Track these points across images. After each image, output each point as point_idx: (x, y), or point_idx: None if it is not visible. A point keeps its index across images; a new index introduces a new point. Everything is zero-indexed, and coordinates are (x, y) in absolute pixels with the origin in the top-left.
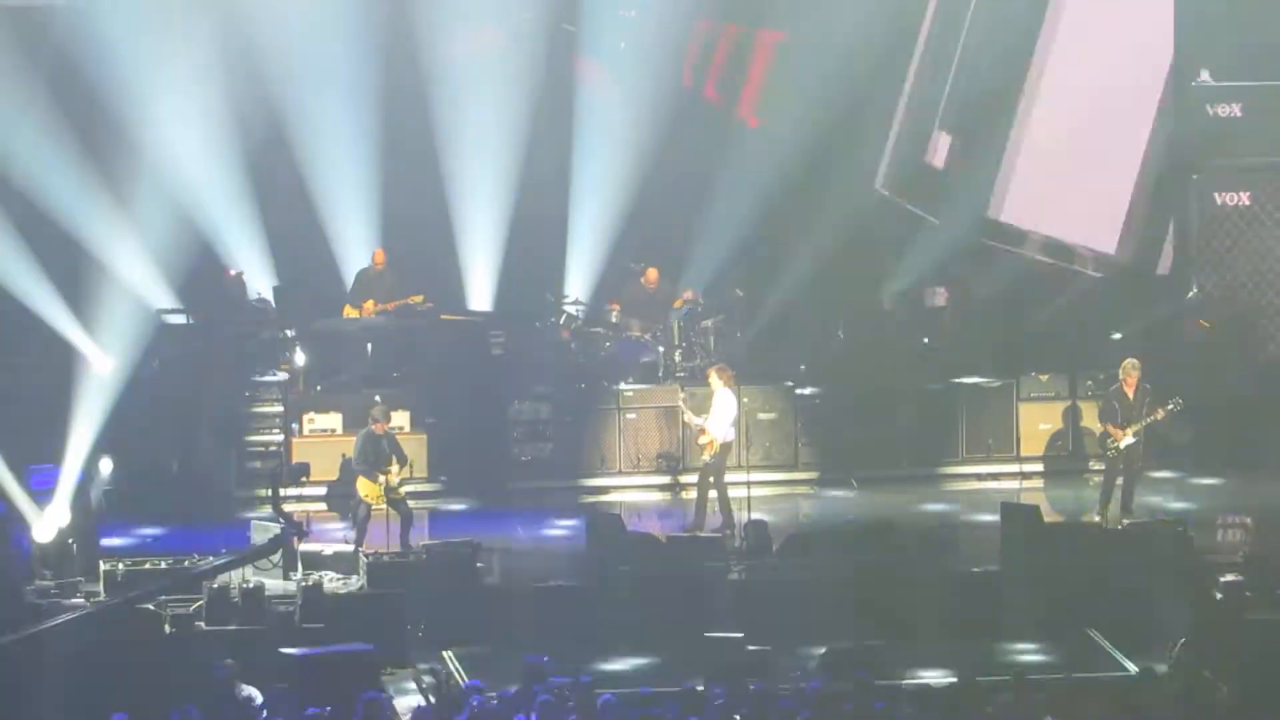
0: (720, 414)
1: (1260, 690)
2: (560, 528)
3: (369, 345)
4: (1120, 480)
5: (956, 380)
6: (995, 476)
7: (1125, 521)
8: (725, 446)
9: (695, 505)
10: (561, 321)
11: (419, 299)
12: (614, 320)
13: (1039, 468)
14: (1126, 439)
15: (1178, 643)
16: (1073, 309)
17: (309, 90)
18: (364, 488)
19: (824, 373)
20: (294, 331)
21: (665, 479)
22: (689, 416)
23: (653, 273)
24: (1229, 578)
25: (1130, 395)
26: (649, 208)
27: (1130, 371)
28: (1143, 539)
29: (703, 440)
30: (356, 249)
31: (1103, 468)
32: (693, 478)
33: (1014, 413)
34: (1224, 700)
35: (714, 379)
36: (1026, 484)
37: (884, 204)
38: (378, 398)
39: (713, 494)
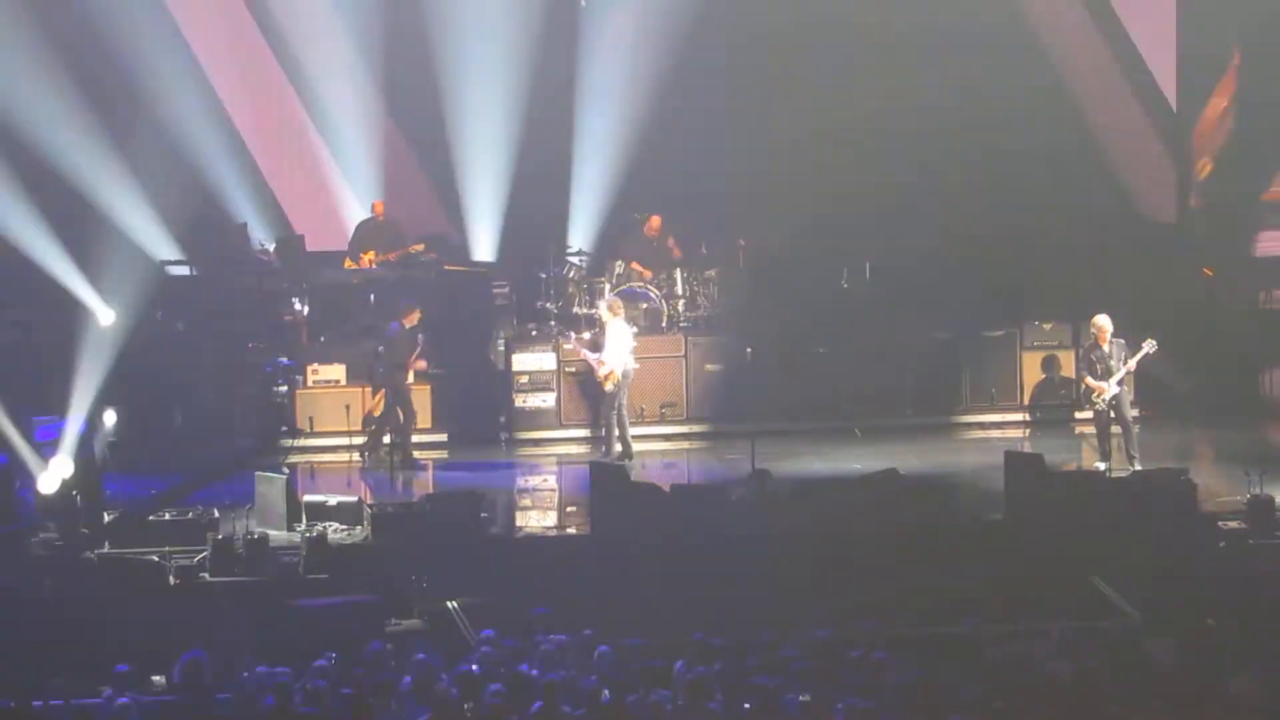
0: (616, 345)
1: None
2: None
3: (373, 296)
4: (1116, 430)
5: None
6: (1000, 425)
7: (1131, 469)
8: (626, 375)
9: (606, 436)
10: (565, 272)
11: (420, 248)
12: (618, 271)
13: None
14: (1110, 390)
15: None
16: (1075, 257)
17: (312, 39)
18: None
19: (827, 322)
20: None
21: (670, 429)
22: (583, 353)
23: (655, 220)
24: (1232, 524)
25: (1106, 349)
26: (653, 155)
27: (1101, 326)
28: (1146, 487)
29: (602, 372)
30: (360, 199)
31: (1091, 418)
32: (698, 426)
33: (1017, 361)
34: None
35: (605, 311)
36: (1030, 432)
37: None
38: (380, 349)
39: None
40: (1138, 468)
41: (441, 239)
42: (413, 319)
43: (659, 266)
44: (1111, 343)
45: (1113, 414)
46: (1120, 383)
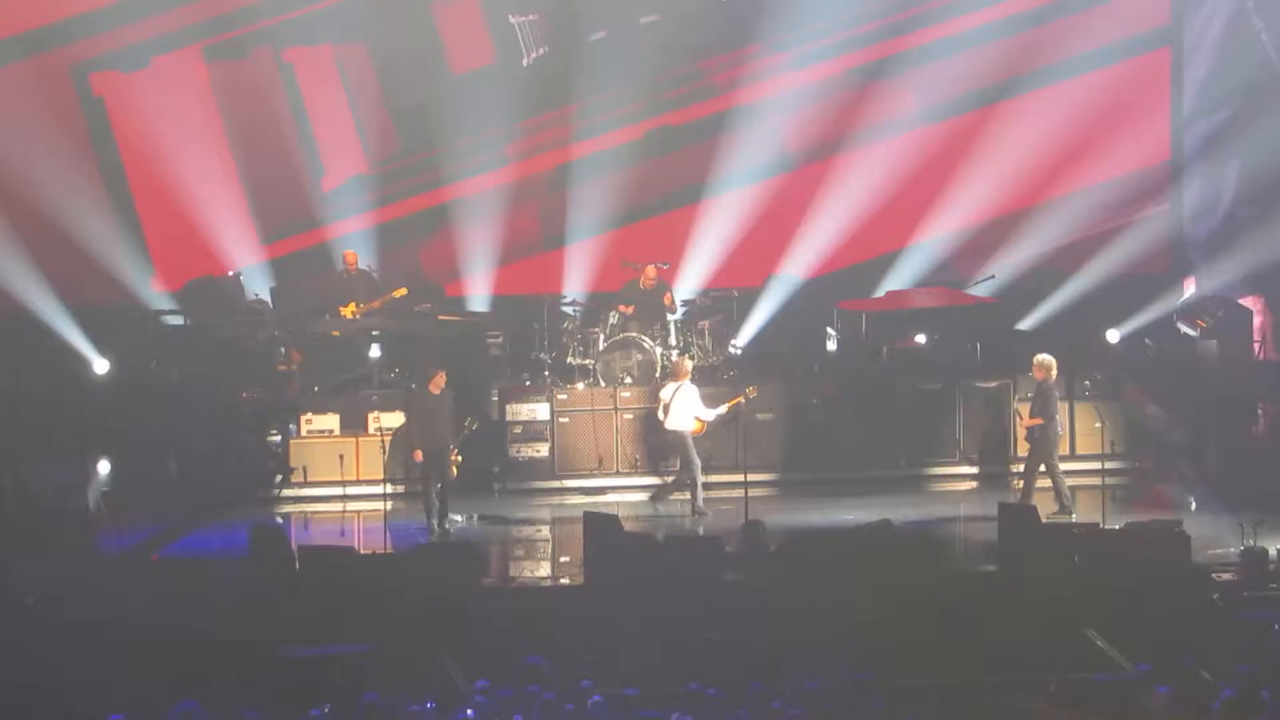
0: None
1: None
2: None
3: (368, 346)
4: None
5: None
6: (992, 476)
7: (1074, 516)
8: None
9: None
10: (559, 323)
11: (403, 292)
12: (613, 321)
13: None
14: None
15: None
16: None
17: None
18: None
19: (819, 372)
20: (282, 332)
21: (662, 480)
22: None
23: (650, 270)
24: (1225, 576)
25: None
26: (648, 205)
27: (1034, 365)
28: (1140, 539)
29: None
30: (353, 249)
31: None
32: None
33: (1010, 413)
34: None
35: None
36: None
37: None
38: (375, 397)
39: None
40: (1062, 515)
41: (430, 286)
42: (438, 382)
43: (653, 317)
44: (1044, 383)
45: (1037, 458)
46: (1029, 428)
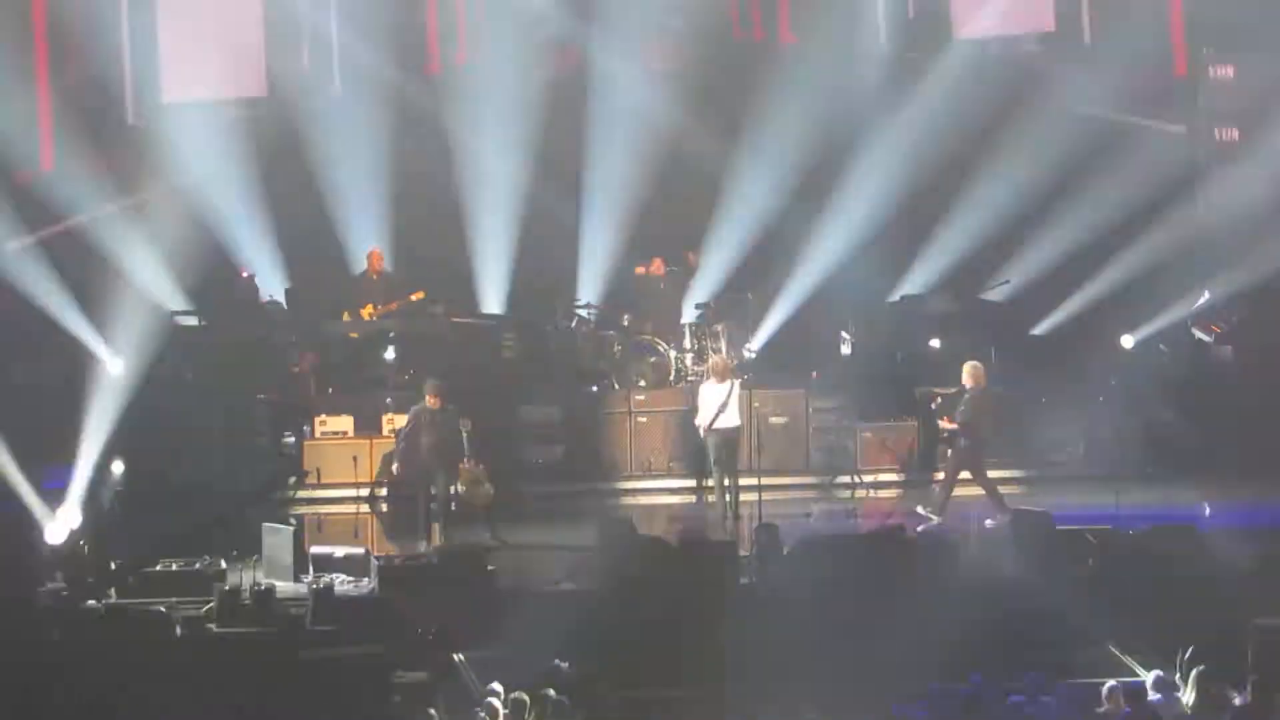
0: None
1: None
2: None
3: (383, 348)
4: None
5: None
6: (1005, 481)
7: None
8: (713, 433)
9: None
10: (573, 325)
11: (421, 295)
12: (625, 324)
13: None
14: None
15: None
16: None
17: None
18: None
19: (833, 376)
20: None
21: (678, 482)
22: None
23: (658, 262)
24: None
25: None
26: (661, 208)
27: (964, 371)
28: (1154, 544)
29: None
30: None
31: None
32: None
33: (1022, 416)
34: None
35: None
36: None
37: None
38: (389, 399)
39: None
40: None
41: (446, 289)
42: (433, 396)
43: (668, 318)
44: (971, 390)
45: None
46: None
